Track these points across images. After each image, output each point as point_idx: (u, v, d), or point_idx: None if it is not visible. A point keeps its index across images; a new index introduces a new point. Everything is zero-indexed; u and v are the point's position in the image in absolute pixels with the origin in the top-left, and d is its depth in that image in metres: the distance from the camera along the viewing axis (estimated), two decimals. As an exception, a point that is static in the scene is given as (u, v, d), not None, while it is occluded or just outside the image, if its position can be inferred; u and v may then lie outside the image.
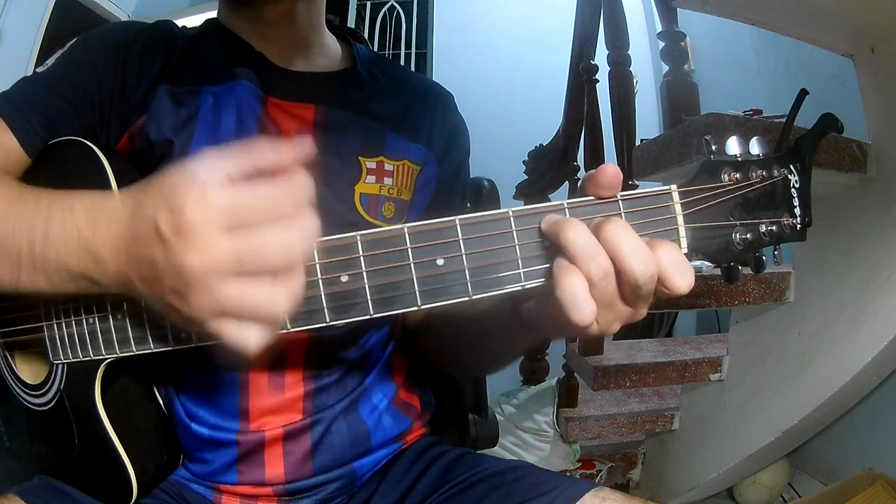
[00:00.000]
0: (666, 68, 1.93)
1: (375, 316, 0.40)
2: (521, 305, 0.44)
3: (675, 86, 1.88)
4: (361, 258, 0.40)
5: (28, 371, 0.59)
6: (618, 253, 0.36)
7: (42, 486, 0.56)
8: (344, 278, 0.40)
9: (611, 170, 0.39)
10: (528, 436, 1.81)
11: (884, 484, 1.23)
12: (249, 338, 0.35)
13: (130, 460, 0.52)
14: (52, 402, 0.55)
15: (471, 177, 0.79)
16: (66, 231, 0.41)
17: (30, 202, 0.44)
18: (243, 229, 0.34)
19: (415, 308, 0.40)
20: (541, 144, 2.10)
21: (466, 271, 0.39)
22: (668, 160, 1.25)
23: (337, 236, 0.40)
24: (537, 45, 3.44)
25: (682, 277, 0.37)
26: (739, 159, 0.41)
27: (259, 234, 0.34)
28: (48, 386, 0.56)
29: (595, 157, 1.66)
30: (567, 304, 0.36)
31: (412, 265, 0.39)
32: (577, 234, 0.36)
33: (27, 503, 0.52)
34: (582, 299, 0.36)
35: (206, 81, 0.61)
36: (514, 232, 0.39)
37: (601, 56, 1.66)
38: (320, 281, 0.40)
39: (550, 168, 2.01)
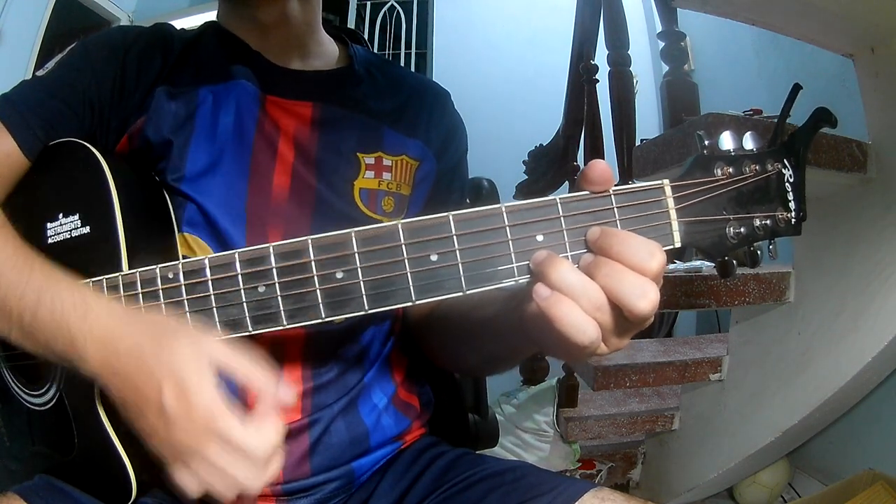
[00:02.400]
0: (666, 68, 1.94)
1: (370, 311, 0.40)
2: (527, 320, 0.43)
3: (675, 86, 1.89)
4: (356, 254, 0.40)
5: (27, 370, 0.59)
6: (617, 297, 0.36)
7: (42, 485, 0.56)
8: (339, 274, 0.40)
9: (600, 166, 0.39)
10: (528, 436, 1.81)
11: (884, 484, 1.23)
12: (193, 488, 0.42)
13: (130, 459, 0.52)
14: (52, 402, 0.55)
15: (470, 176, 0.79)
16: (54, 322, 0.44)
17: (24, 273, 0.47)
18: (226, 449, 0.40)
19: (409, 303, 0.40)
20: (541, 144, 2.10)
21: (460, 266, 0.40)
22: (668, 160, 1.25)
23: (331, 233, 0.40)
24: (537, 45, 3.45)
25: (640, 299, 0.36)
26: (733, 154, 0.40)
27: (234, 464, 0.40)
28: (48, 386, 0.56)
29: (595, 157, 1.65)
30: (569, 333, 0.37)
31: (406, 261, 0.40)
32: (563, 273, 0.37)
33: (27, 502, 0.52)
34: (581, 321, 0.37)
35: (204, 81, 0.61)
36: (507, 227, 0.39)
37: (601, 56, 1.66)
38: (315, 277, 0.40)
39: (550, 168, 2.01)
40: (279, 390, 0.43)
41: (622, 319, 0.38)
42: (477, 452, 0.71)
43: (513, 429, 1.83)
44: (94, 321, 0.43)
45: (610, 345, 0.39)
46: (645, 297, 0.36)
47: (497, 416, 0.90)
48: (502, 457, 0.74)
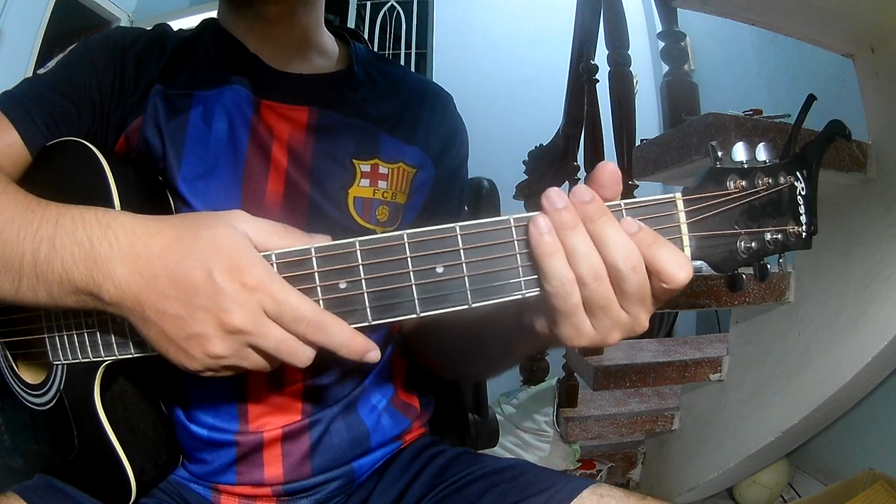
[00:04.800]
0: (666, 68, 1.93)
1: (374, 323, 0.40)
2: (523, 313, 0.44)
3: (675, 86, 1.88)
4: (360, 266, 0.39)
5: (29, 371, 0.59)
6: (601, 246, 0.37)
7: (42, 484, 0.56)
8: (342, 285, 0.40)
9: (609, 168, 0.39)
10: (528, 436, 1.81)
11: (884, 484, 1.23)
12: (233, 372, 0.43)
13: (129, 460, 0.52)
14: (52, 403, 0.55)
15: (470, 177, 0.78)
16: (75, 240, 0.41)
17: (38, 211, 0.44)
18: (280, 325, 0.39)
19: (414, 316, 0.40)
20: (541, 144, 2.09)
21: (466, 279, 0.39)
22: (668, 160, 1.25)
23: (336, 242, 0.40)
24: (537, 45, 3.44)
25: (680, 270, 0.37)
26: (745, 166, 0.40)
27: (290, 339, 0.40)
28: (48, 386, 0.56)
29: (595, 157, 1.66)
30: (553, 284, 0.37)
31: (411, 273, 0.39)
32: (569, 236, 0.37)
33: (27, 502, 0.52)
34: (564, 273, 0.37)
35: (198, 85, 0.61)
36: (515, 241, 0.39)
37: (601, 56, 1.66)
38: (319, 287, 0.40)
39: (550, 168, 2.00)
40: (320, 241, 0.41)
41: (615, 288, 0.38)
42: (477, 452, 0.71)
43: (513, 429, 1.83)
44: (118, 229, 0.41)
45: (599, 328, 0.39)
46: (683, 269, 0.37)
47: (497, 416, 0.90)
48: (502, 457, 0.74)
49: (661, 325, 2.50)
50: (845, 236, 1.32)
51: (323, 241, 0.41)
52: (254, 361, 0.41)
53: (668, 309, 1.84)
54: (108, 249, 0.40)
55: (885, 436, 1.48)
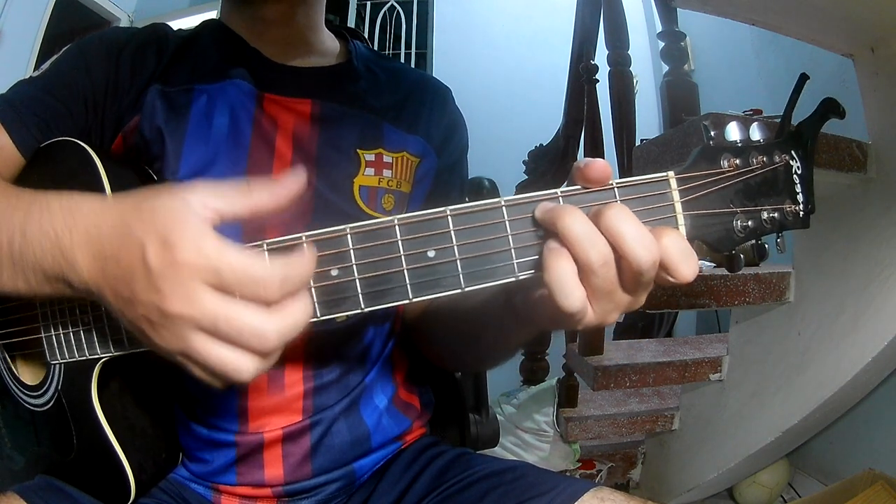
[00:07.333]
0: (666, 68, 1.94)
1: (367, 310, 0.40)
2: (515, 297, 0.44)
3: (675, 86, 1.89)
4: (351, 251, 0.39)
5: (27, 372, 0.59)
6: (619, 239, 0.35)
7: (42, 485, 0.56)
8: (334, 272, 0.39)
9: (599, 165, 0.38)
10: (528, 436, 1.81)
11: (884, 484, 1.23)
12: (206, 378, 0.37)
13: (128, 459, 0.51)
14: (51, 403, 0.55)
15: (471, 176, 0.79)
16: (42, 231, 0.40)
17: (11, 199, 0.44)
18: (226, 295, 0.34)
19: (406, 301, 0.39)
20: (541, 144, 2.10)
21: (458, 263, 0.39)
22: (668, 160, 1.25)
23: (326, 229, 0.39)
24: (537, 45, 3.45)
25: (686, 266, 0.36)
26: (739, 145, 0.39)
27: (239, 309, 0.34)
28: (46, 386, 0.56)
29: (595, 157, 1.66)
30: (555, 289, 0.36)
31: (403, 257, 0.39)
32: (574, 221, 0.36)
33: (27, 502, 0.52)
34: (570, 284, 0.36)
35: (198, 80, 0.61)
36: (507, 222, 0.39)
37: (601, 56, 1.66)
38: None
39: (550, 168, 2.01)
40: (291, 186, 0.36)
41: (622, 276, 0.37)
42: (477, 452, 0.71)
43: (513, 429, 1.83)
44: (78, 213, 0.39)
45: (600, 311, 0.38)
46: (645, 248, 0.35)
47: (497, 416, 0.90)
48: (502, 457, 0.74)
49: (661, 325, 2.50)
50: (845, 236, 1.32)
51: (296, 181, 0.37)
52: (211, 355, 0.35)
53: (667, 309, 1.84)
54: (70, 237, 0.39)
55: (885, 436, 1.48)
